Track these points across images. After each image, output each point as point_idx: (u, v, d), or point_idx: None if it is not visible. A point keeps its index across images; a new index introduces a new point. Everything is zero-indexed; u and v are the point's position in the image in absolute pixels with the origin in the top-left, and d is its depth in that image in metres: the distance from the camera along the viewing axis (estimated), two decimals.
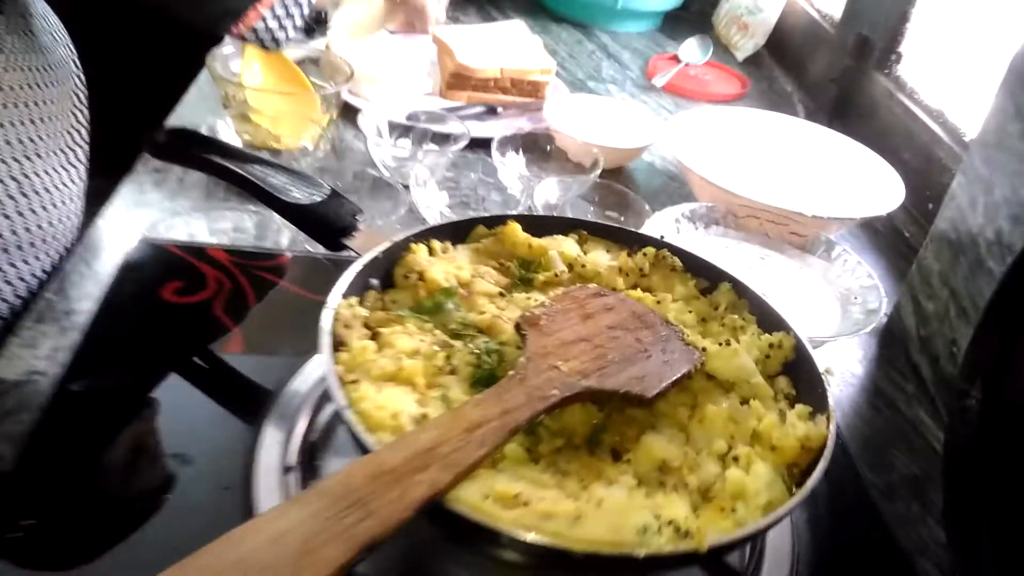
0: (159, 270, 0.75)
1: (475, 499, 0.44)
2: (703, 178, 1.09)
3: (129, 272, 0.73)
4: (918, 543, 0.72)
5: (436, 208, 1.01)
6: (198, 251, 0.77)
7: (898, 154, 1.25)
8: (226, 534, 0.38)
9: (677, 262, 0.67)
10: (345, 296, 0.57)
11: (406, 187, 1.00)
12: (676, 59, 1.59)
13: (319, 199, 0.63)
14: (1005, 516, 0.60)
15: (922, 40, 1.31)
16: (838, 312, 0.94)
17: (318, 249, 0.86)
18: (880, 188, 1.15)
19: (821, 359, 0.60)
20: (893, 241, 1.22)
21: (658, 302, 0.64)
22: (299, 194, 0.62)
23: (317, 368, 0.65)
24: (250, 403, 0.63)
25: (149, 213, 0.94)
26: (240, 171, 0.63)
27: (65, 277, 0.82)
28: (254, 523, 0.39)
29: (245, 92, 1.05)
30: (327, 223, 0.63)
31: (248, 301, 0.73)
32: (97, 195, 0.96)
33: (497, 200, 1.09)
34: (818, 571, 0.61)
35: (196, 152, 0.65)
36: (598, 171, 1.11)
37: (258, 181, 0.62)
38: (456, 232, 0.67)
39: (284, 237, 0.89)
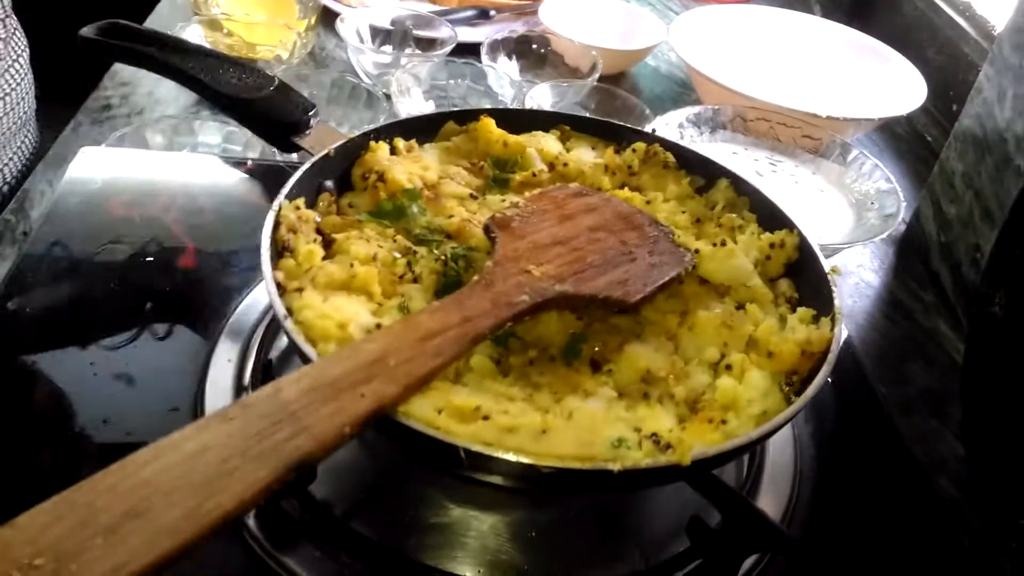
0: (107, 182, 0.69)
1: (428, 413, 0.40)
2: (710, 79, 1.01)
3: (75, 185, 0.67)
4: (935, 459, 0.67)
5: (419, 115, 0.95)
6: (150, 162, 0.71)
7: (921, 52, 1.16)
8: (135, 452, 0.34)
9: (670, 158, 0.61)
10: (292, 198, 0.51)
11: (389, 96, 0.94)
12: None
13: (265, 91, 0.57)
14: None
15: None
16: (852, 218, 0.87)
17: (289, 159, 0.80)
18: (901, 88, 1.06)
19: (829, 263, 0.54)
20: (914, 145, 1.14)
21: (648, 202, 0.58)
22: (243, 88, 0.56)
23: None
24: (202, 320, 0.58)
25: (114, 127, 0.88)
26: (178, 64, 0.57)
27: (25, 197, 0.77)
28: (169, 439, 0.34)
29: None
30: (273, 118, 0.56)
31: (204, 214, 0.67)
32: (60, 117, 0.91)
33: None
34: (823, 488, 0.56)
35: (130, 46, 0.58)
36: (596, 75, 1.04)
37: (196, 73, 0.56)
38: (424, 129, 0.61)
39: (253, 150, 0.83)
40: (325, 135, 0.57)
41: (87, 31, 0.59)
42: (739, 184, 0.59)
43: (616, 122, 0.63)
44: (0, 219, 0.75)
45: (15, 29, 0.95)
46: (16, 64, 0.94)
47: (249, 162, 0.74)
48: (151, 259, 0.63)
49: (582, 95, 1.02)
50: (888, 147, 1.12)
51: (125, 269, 0.62)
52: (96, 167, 0.69)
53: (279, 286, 0.45)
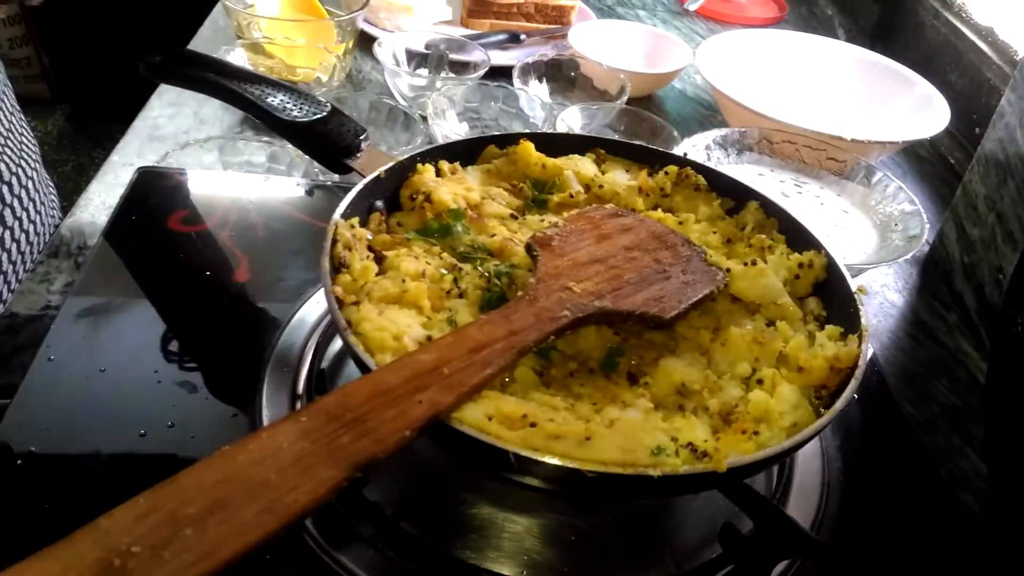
0: (165, 199, 0.72)
1: (479, 419, 0.42)
2: (736, 102, 1.04)
3: (132, 203, 0.71)
4: (958, 475, 0.68)
5: (454, 137, 0.98)
6: (203, 180, 0.75)
7: (944, 76, 1.18)
8: (216, 452, 0.37)
9: (701, 180, 0.63)
10: (346, 217, 0.54)
11: (424, 118, 0.97)
12: None
13: (319, 116, 0.60)
14: None
15: None
16: (876, 239, 0.89)
17: (332, 178, 0.84)
18: (925, 112, 1.09)
19: (855, 282, 0.56)
20: (937, 167, 1.16)
21: (680, 223, 0.60)
22: (299, 112, 0.59)
23: (319, 301, 0.63)
24: (258, 331, 0.61)
25: (163, 146, 0.92)
26: (236, 88, 0.60)
27: (79, 212, 0.81)
28: (245, 441, 0.37)
29: (258, 22, 1.02)
30: (328, 141, 0.60)
31: (257, 230, 0.71)
32: (106, 135, 0.95)
33: (519, 129, 1.06)
34: (849, 500, 0.58)
35: (191, 71, 0.62)
36: (625, 98, 1.07)
37: (255, 99, 0.59)
38: (466, 152, 0.64)
39: (298, 170, 0.87)
40: (375, 158, 0.60)
41: (151, 57, 0.62)
42: (768, 206, 0.61)
43: (649, 146, 0.66)
44: (57, 234, 0.78)
45: None
46: None
47: (297, 181, 0.78)
48: (208, 273, 0.66)
49: (611, 117, 1.05)
50: (912, 169, 1.14)
51: (184, 283, 0.66)
52: (152, 186, 0.73)
53: (338, 300, 0.48)
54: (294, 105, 0.61)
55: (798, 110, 1.13)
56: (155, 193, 0.73)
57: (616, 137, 1.05)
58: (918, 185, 1.12)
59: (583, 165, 0.64)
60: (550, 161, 0.64)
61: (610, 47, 1.21)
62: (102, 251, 0.68)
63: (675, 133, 1.00)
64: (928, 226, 0.85)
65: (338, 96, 0.99)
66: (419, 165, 0.60)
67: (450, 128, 0.99)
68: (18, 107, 0.85)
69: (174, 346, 0.59)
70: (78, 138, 1.76)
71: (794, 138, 0.98)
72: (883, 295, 0.93)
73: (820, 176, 0.97)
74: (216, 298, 0.64)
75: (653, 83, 1.18)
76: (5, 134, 0.77)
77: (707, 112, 1.19)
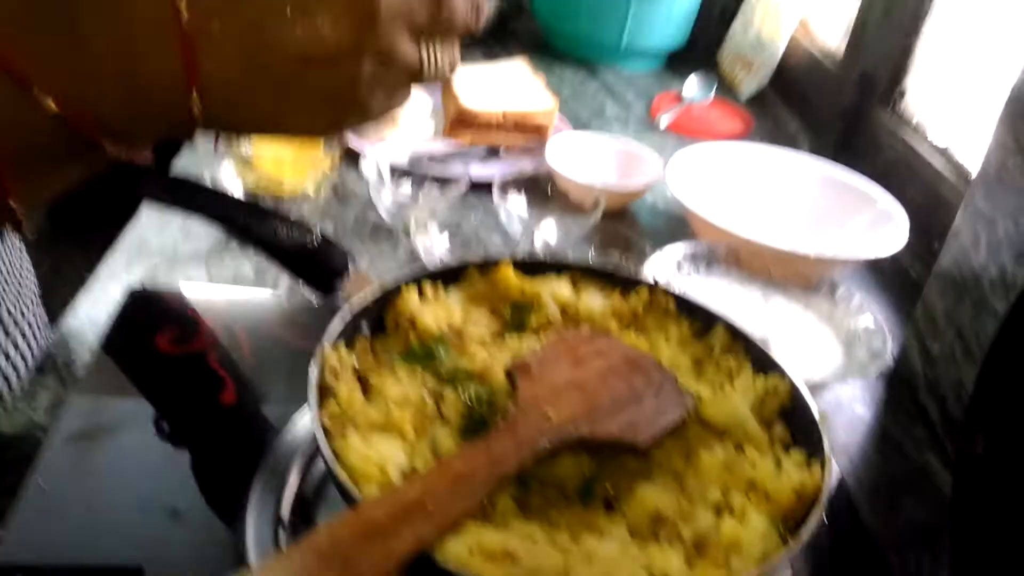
0: (154, 318, 0.74)
1: (462, 553, 0.43)
2: (704, 219, 1.08)
3: (123, 321, 0.73)
4: None
5: (436, 252, 1.01)
6: (193, 297, 0.77)
7: (903, 191, 1.24)
8: None
9: (671, 304, 0.66)
10: (334, 343, 0.56)
11: (407, 231, 1.00)
12: (679, 98, 1.59)
13: (308, 242, 0.63)
14: (1016, 569, 0.59)
15: (926, 75, 1.31)
16: (842, 354, 0.93)
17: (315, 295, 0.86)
18: (886, 227, 1.14)
19: (823, 403, 0.59)
20: (898, 279, 1.21)
21: (652, 346, 0.63)
22: (291, 239, 0.62)
23: (309, 419, 0.64)
24: (243, 455, 0.62)
25: (151, 260, 0.94)
26: (232, 216, 0.63)
27: (66, 327, 0.82)
28: None
29: (249, 139, 1.06)
30: (319, 267, 0.62)
31: (243, 351, 0.72)
32: (100, 245, 0.97)
33: (498, 242, 1.09)
34: None
35: (189, 198, 0.65)
36: (599, 213, 1.11)
37: (247, 226, 0.62)
38: (448, 275, 0.66)
39: (282, 282, 0.89)
40: (361, 282, 0.63)
41: (153, 182, 0.65)
42: (733, 330, 0.64)
43: (620, 271, 0.69)
44: (44, 351, 0.80)
45: None
46: None
47: (283, 300, 0.80)
48: (196, 396, 0.67)
49: (586, 230, 1.10)
50: (874, 281, 1.19)
51: (172, 406, 0.67)
52: (142, 305, 0.75)
53: (325, 431, 0.50)
54: (286, 231, 0.63)
55: (764, 223, 1.18)
56: (144, 312, 0.74)
57: (592, 250, 1.09)
58: (881, 295, 1.16)
59: (560, 288, 0.67)
60: (528, 286, 0.66)
61: (584, 160, 1.26)
62: (92, 372, 0.69)
63: (647, 247, 1.04)
64: (891, 343, 0.88)
65: (324, 209, 1.03)
66: (403, 288, 0.63)
67: (432, 241, 1.02)
68: (19, 242, 0.87)
69: (162, 472, 0.60)
70: (56, 237, 1.78)
71: (761, 253, 1.02)
72: (851, 409, 0.96)
73: (787, 290, 1.01)
74: (204, 423, 0.66)
75: (625, 198, 1.23)
76: (5, 273, 0.79)
77: (678, 225, 1.24)
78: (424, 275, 0.65)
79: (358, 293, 0.61)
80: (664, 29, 1.70)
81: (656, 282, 0.67)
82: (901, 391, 0.99)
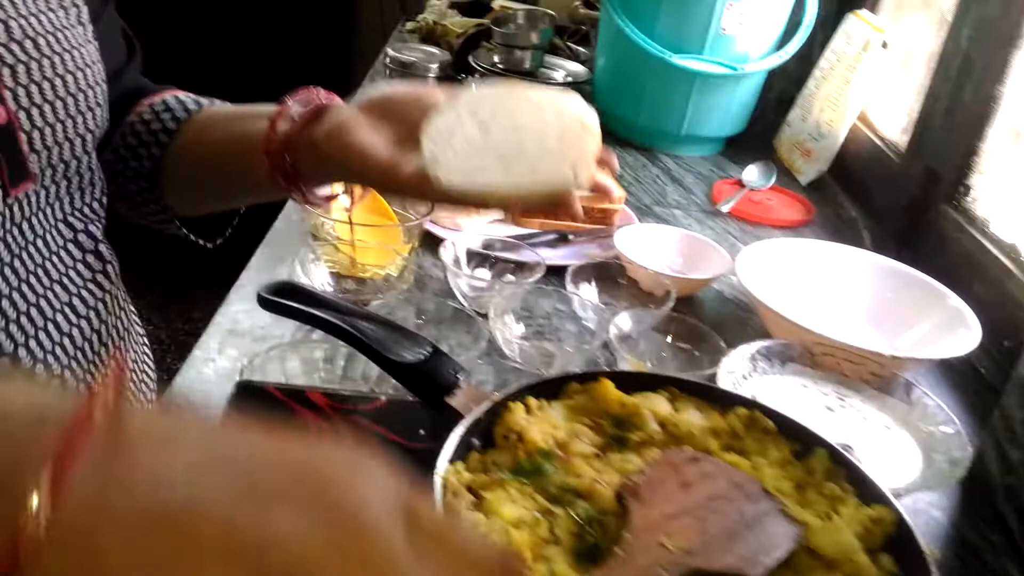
0: (262, 416, 0.77)
1: None
2: (778, 314, 1.09)
3: (234, 418, 0.75)
4: None
5: (514, 341, 1.04)
6: (298, 394, 0.79)
7: (970, 288, 1.25)
8: None
9: (770, 424, 0.68)
10: (451, 461, 0.58)
11: (483, 316, 1.03)
12: (739, 183, 1.62)
13: (423, 357, 0.65)
14: None
15: (991, 172, 1.32)
16: (921, 459, 0.93)
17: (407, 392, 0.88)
18: (956, 326, 1.14)
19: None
20: (969, 377, 1.21)
21: (754, 467, 0.64)
22: (404, 351, 0.65)
23: None
24: None
25: (243, 343, 0.97)
26: (348, 328, 0.66)
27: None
28: None
29: (333, 224, 1.10)
30: (432, 382, 0.65)
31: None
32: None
33: (572, 330, 1.11)
34: None
35: (303, 307, 0.68)
36: (671, 303, 1.13)
37: (366, 339, 0.65)
38: (550, 389, 0.68)
39: (373, 370, 0.91)
40: (472, 395, 0.65)
41: (265, 291, 0.69)
42: (835, 455, 0.65)
43: (718, 387, 0.70)
44: None
45: None
46: None
47: (379, 395, 0.82)
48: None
49: (658, 321, 1.11)
50: (944, 379, 1.19)
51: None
52: (247, 400, 0.78)
53: None
54: (397, 342, 0.66)
55: (834, 320, 1.19)
56: (252, 408, 0.77)
57: (666, 339, 1.10)
58: (951, 394, 1.16)
59: (658, 404, 0.69)
60: (628, 399, 0.68)
61: (651, 248, 1.29)
62: None
63: (722, 343, 1.05)
64: (971, 449, 0.88)
65: (407, 297, 1.06)
66: (510, 403, 0.65)
67: (509, 330, 1.05)
68: (140, 331, 0.90)
69: None
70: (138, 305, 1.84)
71: (834, 351, 1.03)
72: (928, 513, 0.95)
73: (861, 390, 1.02)
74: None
75: (694, 286, 1.25)
76: (131, 366, 0.82)
77: (745, 314, 1.25)
78: (527, 389, 0.67)
79: (468, 406, 0.63)
80: (723, 117, 1.73)
81: (755, 399, 0.68)
82: (978, 497, 0.98)
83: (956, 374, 1.21)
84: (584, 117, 0.76)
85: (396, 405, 0.83)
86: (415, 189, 0.72)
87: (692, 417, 0.69)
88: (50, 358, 0.66)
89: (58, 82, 0.65)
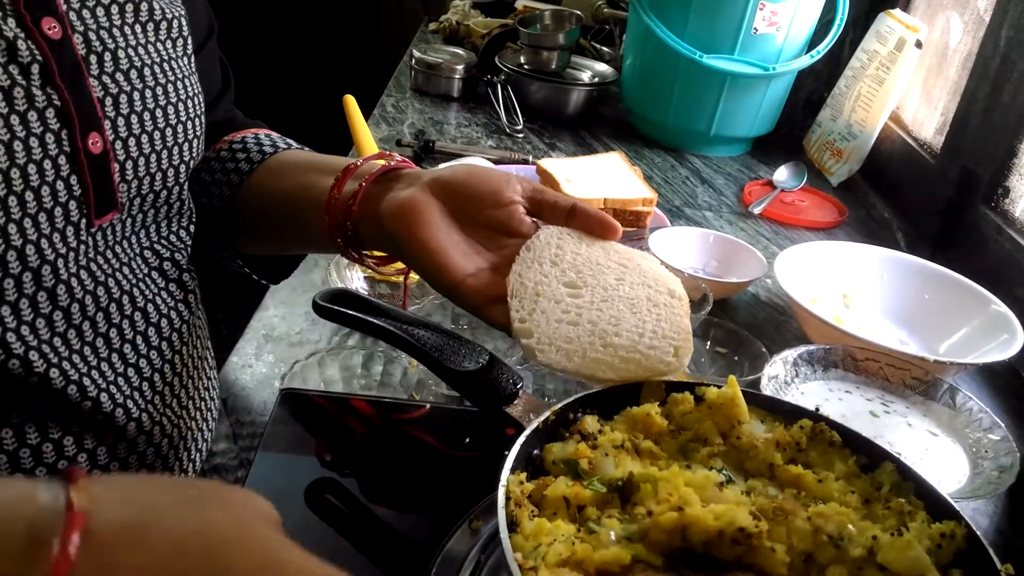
0: (309, 425, 0.76)
1: None
2: (818, 318, 1.08)
3: (280, 427, 0.75)
4: None
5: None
6: (342, 402, 0.79)
7: (1010, 290, 1.23)
8: None
9: (836, 436, 0.66)
10: (513, 471, 0.57)
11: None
12: (770, 184, 1.60)
13: (481, 364, 0.64)
14: None
15: None
16: (968, 466, 0.91)
17: (452, 398, 0.87)
18: (999, 329, 1.13)
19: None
20: (1009, 380, 1.19)
21: (820, 481, 0.63)
22: (462, 359, 0.64)
23: (465, 535, 0.65)
24: (406, 564, 0.63)
25: (279, 348, 0.97)
26: (405, 336, 0.65)
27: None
28: None
29: None
30: (491, 390, 0.64)
31: (390, 461, 0.74)
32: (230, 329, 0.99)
33: None
34: None
35: (357, 313, 0.67)
36: (709, 307, 1.12)
37: (421, 345, 0.64)
38: (610, 398, 0.67)
39: (411, 376, 0.91)
40: (531, 405, 0.64)
41: (321, 299, 0.68)
42: (903, 469, 0.64)
43: (781, 400, 0.69)
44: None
45: None
46: None
47: (424, 403, 0.82)
48: (349, 514, 0.69)
49: (697, 325, 1.10)
50: (985, 383, 1.17)
51: (330, 517, 0.68)
52: (294, 408, 0.77)
53: (520, 567, 0.51)
54: (453, 350, 0.65)
55: (872, 323, 1.18)
56: (294, 417, 0.76)
57: (705, 344, 1.09)
58: (992, 398, 1.15)
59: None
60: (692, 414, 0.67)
61: (686, 251, 1.28)
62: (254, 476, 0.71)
63: (762, 348, 1.04)
64: (1019, 455, 0.87)
65: (442, 302, 1.05)
66: (570, 412, 0.64)
67: None
68: (211, 363, 0.85)
69: None
70: None
71: (877, 356, 1.02)
72: (974, 520, 0.94)
73: (905, 395, 1.00)
74: (362, 538, 0.66)
75: (731, 290, 1.24)
76: (200, 393, 0.81)
77: (782, 318, 1.24)
78: (583, 400, 0.66)
79: (529, 418, 0.62)
80: (752, 118, 1.72)
81: (818, 411, 0.67)
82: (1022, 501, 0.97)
83: (997, 378, 1.19)
84: (671, 284, 0.72)
85: (439, 412, 0.82)
86: (477, 308, 0.69)
87: (755, 428, 0.67)
88: (120, 380, 0.65)
89: (159, 113, 0.64)
